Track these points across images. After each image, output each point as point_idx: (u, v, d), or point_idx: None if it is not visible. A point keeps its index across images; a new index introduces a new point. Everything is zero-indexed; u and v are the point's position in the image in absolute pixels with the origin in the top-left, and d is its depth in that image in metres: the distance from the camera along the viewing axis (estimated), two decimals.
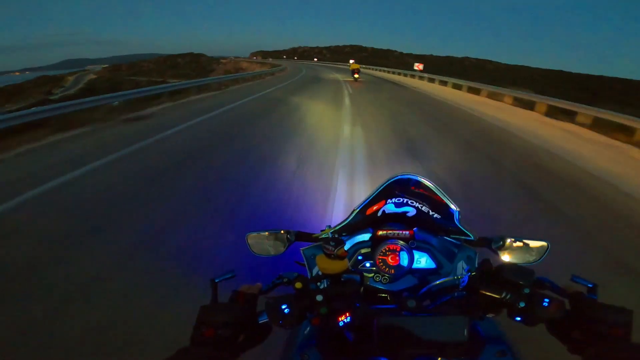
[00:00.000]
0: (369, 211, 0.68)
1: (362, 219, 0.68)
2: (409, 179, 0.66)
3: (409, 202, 0.68)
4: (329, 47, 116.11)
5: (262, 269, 1.36)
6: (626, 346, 0.43)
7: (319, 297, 0.48)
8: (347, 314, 0.47)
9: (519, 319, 0.49)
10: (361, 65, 16.20)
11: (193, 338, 0.45)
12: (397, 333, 0.50)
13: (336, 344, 0.55)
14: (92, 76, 52.92)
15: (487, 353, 0.53)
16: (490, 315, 0.53)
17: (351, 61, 18.22)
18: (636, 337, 0.43)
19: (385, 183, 0.65)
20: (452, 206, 0.65)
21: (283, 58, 72.34)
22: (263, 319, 0.50)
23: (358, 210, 0.66)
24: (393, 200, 0.68)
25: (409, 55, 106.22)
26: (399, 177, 0.65)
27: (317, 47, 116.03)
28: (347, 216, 0.67)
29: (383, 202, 0.68)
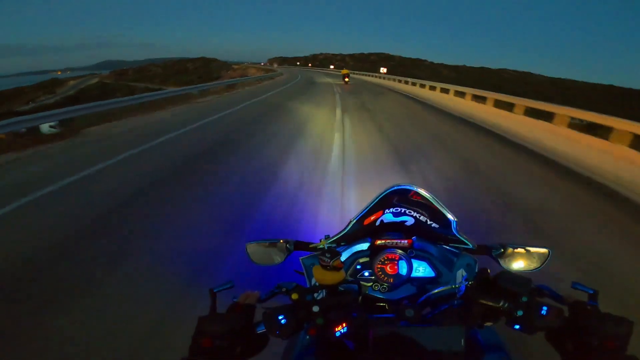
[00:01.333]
0: (366, 221, 0.75)
1: (360, 229, 0.76)
2: (406, 189, 0.72)
3: (407, 212, 0.76)
4: (353, 54, 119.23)
5: (263, 275, 1.35)
6: (619, 359, 0.48)
7: (315, 308, 0.54)
8: (344, 324, 0.53)
9: (517, 327, 0.54)
10: (389, 75, 19.43)
11: (191, 349, 0.52)
12: (393, 343, 0.56)
13: (335, 354, 0.62)
14: (94, 81, 56.28)
15: None
16: (489, 324, 0.59)
17: (343, 71, 22.90)
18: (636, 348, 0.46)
19: (382, 194, 0.72)
20: (450, 216, 0.72)
21: (297, 65, 74.32)
22: (261, 329, 0.56)
23: (355, 220, 0.73)
24: (391, 210, 0.75)
25: (441, 65, 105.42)
26: (396, 187, 0.72)
27: (339, 54, 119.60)
28: (344, 226, 0.75)
29: (381, 212, 0.75)
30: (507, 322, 0.56)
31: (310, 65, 72.66)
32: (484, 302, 0.56)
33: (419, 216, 0.75)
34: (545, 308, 0.53)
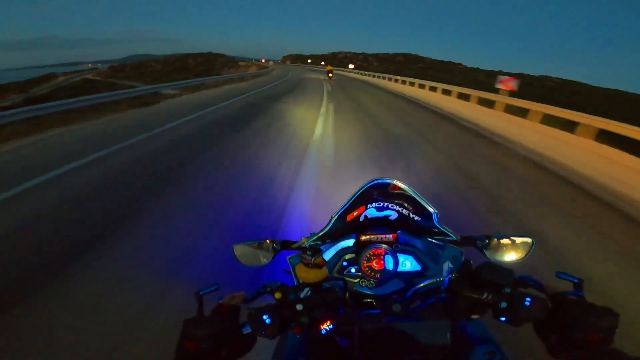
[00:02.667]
0: (349, 217, 0.83)
1: (344, 225, 0.84)
2: (385, 183, 0.81)
3: (390, 206, 0.85)
4: (377, 54, 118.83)
5: (254, 276, 1.54)
6: (601, 353, 0.53)
7: (299, 307, 0.61)
8: (329, 322, 0.60)
9: (503, 319, 0.60)
10: (417, 80, 18.33)
11: (177, 352, 0.58)
12: (379, 338, 0.63)
13: (325, 352, 0.70)
14: (79, 78, 58.01)
15: (476, 354, 0.68)
16: (475, 317, 0.64)
17: (328, 67, 27.96)
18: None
19: (361, 188, 0.80)
20: (430, 208, 0.80)
21: (308, 62, 74.31)
22: (247, 330, 0.62)
23: (337, 216, 0.81)
24: (374, 204, 0.84)
25: (476, 69, 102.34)
26: (376, 181, 0.80)
27: (362, 54, 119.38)
28: (326, 223, 0.83)
29: (363, 207, 0.84)
30: (493, 314, 0.62)
31: (323, 63, 72.08)
32: (468, 294, 0.62)
33: (402, 210, 0.84)
34: (528, 299, 0.59)
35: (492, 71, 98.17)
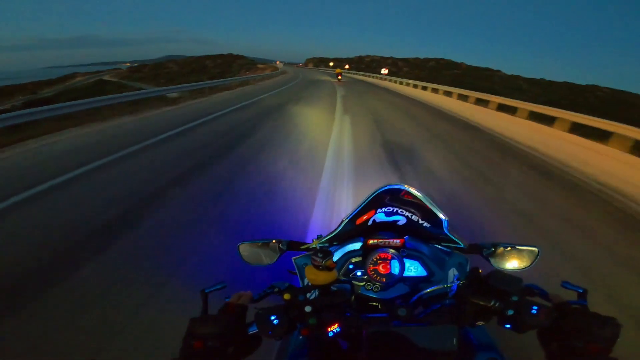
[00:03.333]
0: (359, 221, 0.91)
1: (352, 229, 0.92)
2: (398, 189, 0.87)
3: (399, 211, 0.92)
4: (407, 58, 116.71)
5: (257, 276, 1.78)
6: None
7: (308, 308, 0.66)
8: (337, 324, 0.65)
9: (508, 326, 0.66)
10: (452, 87, 16.81)
11: (183, 350, 0.62)
12: (385, 343, 0.68)
13: (328, 354, 0.75)
14: (103, 77, 60.51)
15: None
16: (480, 323, 0.70)
17: (337, 69, 30.49)
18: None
19: (374, 193, 0.87)
20: (441, 215, 0.87)
21: (330, 66, 73.97)
22: (253, 330, 0.67)
23: (347, 220, 0.89)
24: (383, 209, 0.92)
25: (516, 77, 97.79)
26: (388, 187, 0.87)
27: (390, 58, 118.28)
28: (337, 226, 0.90)
29: (373, 211, 0.91)
30: (498, 321, 0.67)
31: (347, 67, 72.39)
32: (476, 301, 0.68)
33: (411, 215, 0.91)
34: (535, 307, 0.64)
35: (534, 79, 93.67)
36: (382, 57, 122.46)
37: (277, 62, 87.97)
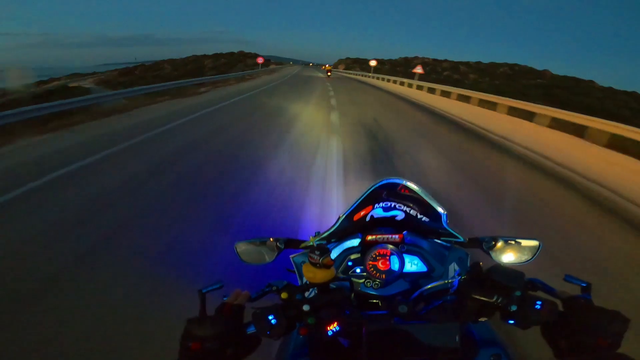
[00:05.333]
0: (356, 217, 1.11)
1: (350, 225, 1.12)
2: (395, 183, 1.07)
3: (397, 206, 1.12)
4: (468, 62, 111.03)
5: (255, 275, 2.18)
6: (610, 357, 0.69)
7: (306, 307, 0.80)
8: (336, 323, 0.78)
9: (512, 322, 0.79)
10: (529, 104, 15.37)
11: (180, 352, 0.75)
12: (386, 340, 0.81)
13: (329, 352, 0.88)
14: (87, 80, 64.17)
15: (482, 357, 0.88)
16: (483, 319, 0.85)
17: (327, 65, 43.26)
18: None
19: (371, 188, 1.08)
20: (439, 209, 1.07)
21: (371, 67, 70.92)
22: (251, 330, 0.80)
23: (345, 216, 1.09)
24: (381, 204, 1.12)
25: (610, 90, 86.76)
26: (385, 181, 1.07)
27: (445, 61, 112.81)
28: (334, 223, 1.11)
29: (370, 207, 1.11)
30: (501, 316, 0.82)
31: (374, 63, 66.80)
32: (477, 297, 0.80)
33: (409, 210, 1.11)
34: (539, 302, 0.76)
35: (634, 92, 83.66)
36: (435, 60, 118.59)
37: (290, 63, 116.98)
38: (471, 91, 20.84)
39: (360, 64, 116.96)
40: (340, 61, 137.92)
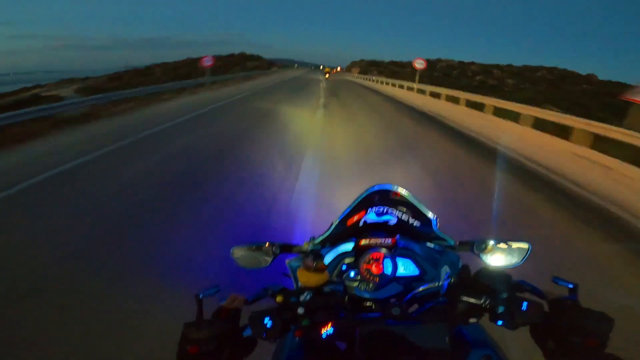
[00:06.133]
0: (349, 222, 1.26)
1: (344, 230, 1.27)
2: (387, 189, 1.23)
3: (390, 211, 1.26)
4: (498, 65, 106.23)
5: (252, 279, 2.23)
6: (598, 358, 0.80)
7: (301, 310, 0.90)
8: (330, 325, 0.90)
9: (500, 323, 0.90)
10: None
11: (178, 355, 0.85)
12: (379, 342, 0.93)
13: (324, 355, 1.03)
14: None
15: (473, 358, 0.98)
16: (473, 321, 0.96)
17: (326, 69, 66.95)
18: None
19: (363, 194, 1.24)
20: (429, 214, 1.23)
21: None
22: (247, 333, 0.92)
23: (338, 221, 1.25)
24: (374, 209, 1.26)
25: None
26: (378, 187, 1.23)
27: (472, 63, 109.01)
28: (327, 228, 1.27)
29: (363, 212, 1.26)
30: (490, 318, 0.92)
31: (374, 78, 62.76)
32: (466, 299, 0.92)
33: (401, 215, 1.24)
34: (525, 303, 0.86)
35: None
36: (461, 62, 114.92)
37: (296, 66, 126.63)
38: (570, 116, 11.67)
39: (378, 67, 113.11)
40: (353, 63, 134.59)
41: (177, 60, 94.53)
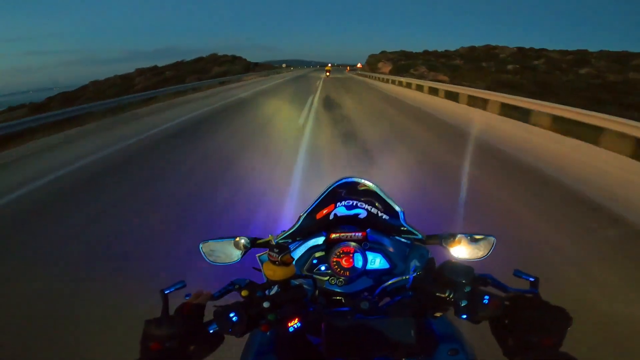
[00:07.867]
0: (319, 215, 1.30)
1: (314, 223, 1.32)
2: (353, 182, 1.27)
3: (359, 205, 1.32)
4: (567, 50, 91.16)
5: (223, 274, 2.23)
6: (554, 356, 0.82)
7: (266, 304, 0.94)
8: (297, 319, 0.94)
9: (464, 316, 0.94)
10: None
11: (141, 352, 0.89)
12: (346, 335, 0.98)
13: (295, 349, 1.05)
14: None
15: (440, 352, 1.03)
16: (438, 314, 1.03)
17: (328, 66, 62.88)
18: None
19: (329, 187, 1.27)
20: (396, 207, 1.28)
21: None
22: (213, 328, 0.94)
23: (305, 215, 1.29)
24: (343, 203, 1.31)
25: None
26: (343, 180, 1.27)
27: (532, 49, 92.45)
28: (295, 222, 1.32)
29: (332, 205, 1.31)
30: (454, 311, 0.97)
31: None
32: (431, 292, 0.98)
33: (371, 208, 1.31)
34: (487, 297, 0.90)
35: None
36: (520, 49, 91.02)
37: (284, 65, 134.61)
38: None
39: (415, 63, 73.14)
40: (373, 57, 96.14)
41: (108, 77, 79.02)
